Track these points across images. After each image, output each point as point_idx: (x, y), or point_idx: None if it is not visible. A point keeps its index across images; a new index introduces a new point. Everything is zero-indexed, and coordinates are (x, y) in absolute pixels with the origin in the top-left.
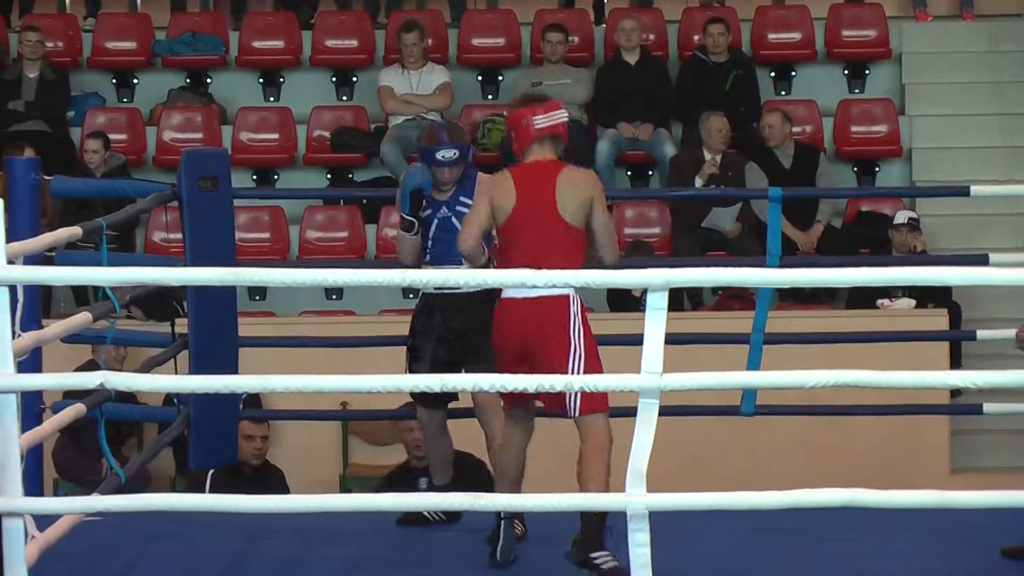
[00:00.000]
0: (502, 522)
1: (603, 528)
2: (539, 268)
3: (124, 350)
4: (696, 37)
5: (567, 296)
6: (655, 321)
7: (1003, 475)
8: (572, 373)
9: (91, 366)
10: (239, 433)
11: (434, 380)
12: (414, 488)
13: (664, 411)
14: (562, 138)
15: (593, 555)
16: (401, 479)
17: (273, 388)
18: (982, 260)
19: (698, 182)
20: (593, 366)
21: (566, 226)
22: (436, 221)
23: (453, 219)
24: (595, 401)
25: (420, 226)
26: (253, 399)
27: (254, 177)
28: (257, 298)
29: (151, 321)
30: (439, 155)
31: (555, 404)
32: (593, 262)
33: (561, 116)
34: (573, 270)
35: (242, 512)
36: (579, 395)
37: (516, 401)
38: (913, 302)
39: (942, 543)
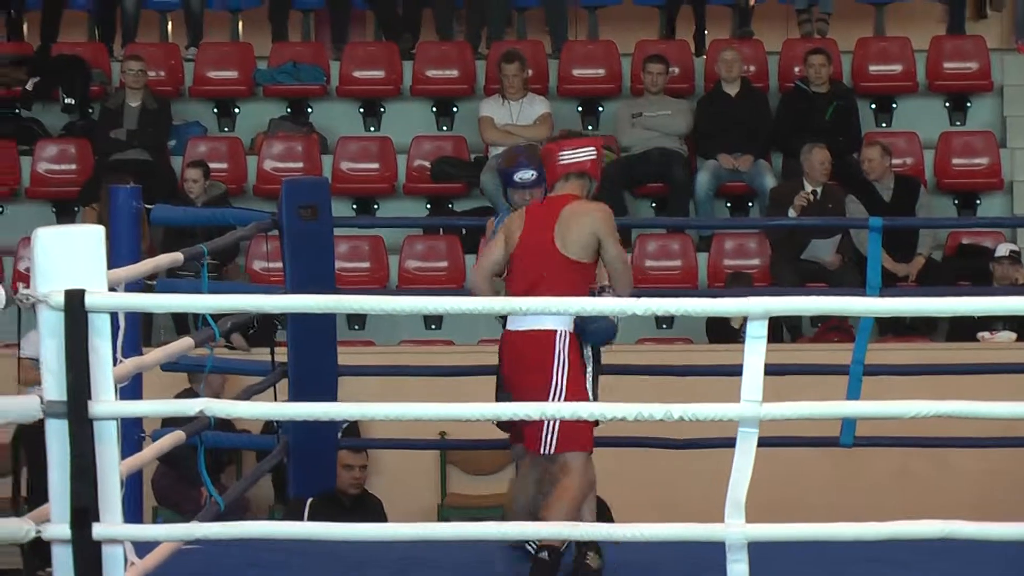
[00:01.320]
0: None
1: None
2: (537, 293)
3: (223, 379)
4: (797, 68)
5: (554, 331)
6: (755, 350)
7: None
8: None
9: (189, 395)
10: (338, 462)
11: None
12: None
13: (763, 442)
14: (590, 175)
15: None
16: None
17: (372, 416)
18: None
19: (791, 213)
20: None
21: (563, 258)
22: None
23: None
24: (574, 439)
25: None
26: (352, 428)
27: (354, 206)
28: (356, 327)
29: (254, 351)
30: (517, 177)
31: (532, 442)
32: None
33: (588, 153)
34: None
35: (341, 541)
36: (555, 432)
37: (516, 440)
38: (1014, 335)
39: None
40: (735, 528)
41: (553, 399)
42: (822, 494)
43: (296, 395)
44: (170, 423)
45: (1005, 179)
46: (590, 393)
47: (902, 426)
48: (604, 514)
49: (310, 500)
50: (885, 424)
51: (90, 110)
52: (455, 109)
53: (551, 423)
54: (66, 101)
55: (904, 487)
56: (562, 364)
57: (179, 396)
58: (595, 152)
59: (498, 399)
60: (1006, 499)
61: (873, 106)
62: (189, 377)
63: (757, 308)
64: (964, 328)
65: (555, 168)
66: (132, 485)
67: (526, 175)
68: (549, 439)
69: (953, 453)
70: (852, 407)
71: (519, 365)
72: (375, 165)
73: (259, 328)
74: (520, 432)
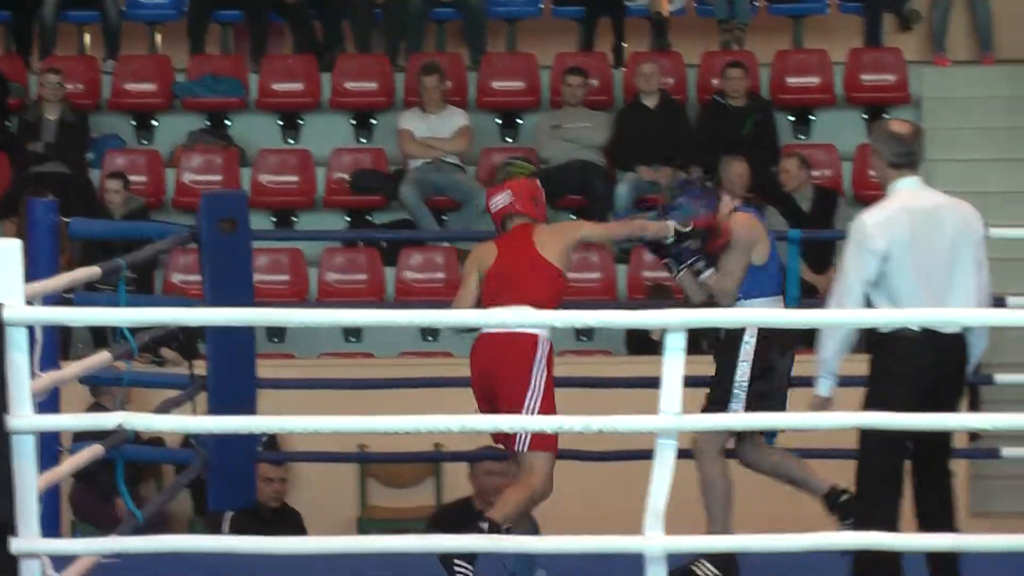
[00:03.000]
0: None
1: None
2: (522, 300)
3: (128, 393)
4: (715, 81)
5: (536, 336)
6: (674, 362)
7: (1020, 520)
8: (527, 412)
9: (96, 409)
10: (258, 475)
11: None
12: (471, 530)
13: (684, 453)
14: (520, 212)
15: (456, 561)
16: (457, 518)
17: (291, 430)
18: (998, 303)
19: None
20: (546, 408)
21: (545, 262)
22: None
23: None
24: (543, 441)
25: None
26: (272, 441)
27: (273, 219)
28: (276, 340)
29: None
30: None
31: (511, 440)
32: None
33: (499, 201)
34: (551, 310)
35: (261, 554)
36: (529, 433)
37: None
38: None
39: None
40: (654, 540)
41: (530, 403)
42: (744, 503)
43: (215, 408)
44: (83, 437)
45: None
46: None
47: (823, 436)
48: (528, 526)
49: (230, 514)
50: (807, 435)
51: (8, 123)
52: (374, 122)
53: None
54: None
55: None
56: (541, 371)
57: (89, 411)
58: (512, 194)
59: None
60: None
61: (791, 118)
62: (93, 392)
63: (676, 321)
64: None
65: (494, 215)
66: (50, 499)
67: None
68: (524, 437)
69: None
70: (771, 419)
71: (499, 365)
72: (294, 178)
73: (185, 341)
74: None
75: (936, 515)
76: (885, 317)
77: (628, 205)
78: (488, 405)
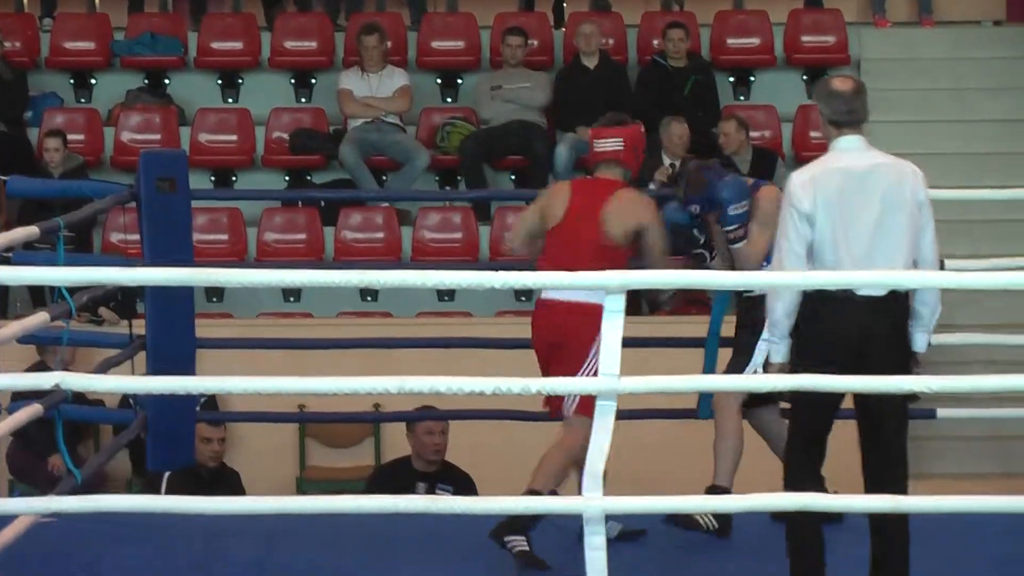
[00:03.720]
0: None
1: (530, 519)
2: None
3: (73, 352)
4: (656, 42)
5: (600, 306)
6: (612, 324)
7: (956, 481)
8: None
9: (40, 367)
10: (196, 435)
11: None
12: (410, 490)
13: (621, 415)
14: (622, 164)
15: (507, 538)
16: (395, 477)
17: (230, 390)
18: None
19: (651, 187)
20: None
21: (605, 238)
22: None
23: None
24: (589, 406)
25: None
26: (210, 401)
27: (212, 178)
28: (215, 300)
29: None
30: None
31: (557, 404)
32: None
33: (615, 143)
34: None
35: (200, 514)
36: (577, 397)
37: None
38: None
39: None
40: (593, 501)
41: (584, 372)
42: (683, 466)
43: (154, 368)
44: (21, 396)
45: None
46: None
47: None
48: (468, 487)
49: (168, 474)
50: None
51: None
52: (314, 81)
53: None
54: None
55: (763, 459)
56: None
57: (31, 370)
58: (622, 143)
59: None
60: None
61: (731, 79)
62: (38, 350)
63: (615, 281)
64: None
65: (591, 154)
66: None
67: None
68: (572, 400)
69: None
70: (708, 380)
71: (563, 334)
72: (233, 137)
73: (123, 300)
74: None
75: (882, 478)
76: (825, 279)
77: (569, 165)
78: (547, 370)
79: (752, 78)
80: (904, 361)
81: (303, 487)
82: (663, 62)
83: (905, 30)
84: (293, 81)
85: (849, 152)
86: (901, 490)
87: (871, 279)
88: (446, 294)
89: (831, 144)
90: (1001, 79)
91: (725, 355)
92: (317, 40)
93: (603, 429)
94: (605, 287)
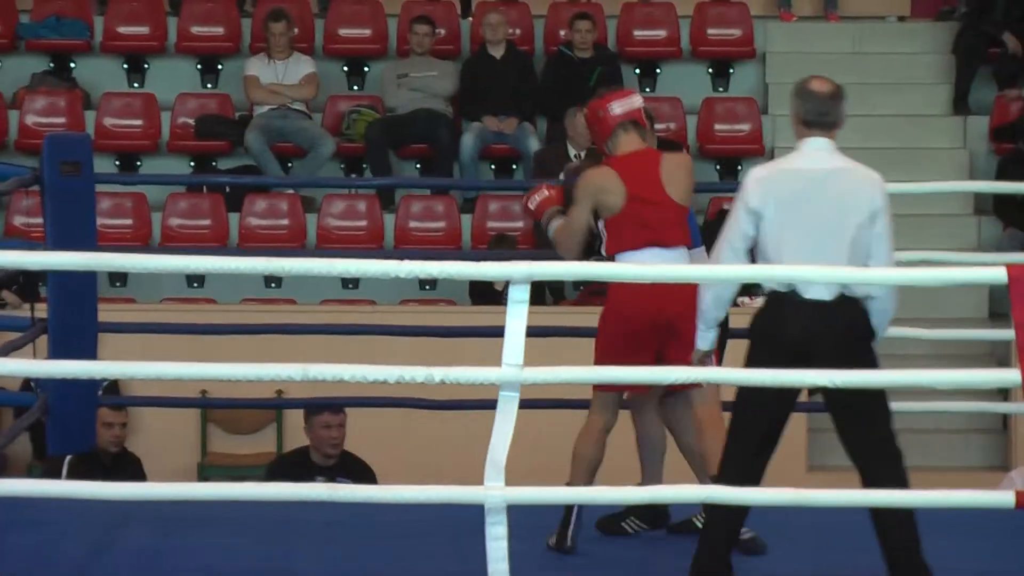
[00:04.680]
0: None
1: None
2: (664, 244)
3: None
4: (562, 32)
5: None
6: (516, 314)
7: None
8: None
9: None
10: (98, 420)
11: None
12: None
13: (525, 404)
14: (641, 123)
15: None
16: (294, 470)
17: (132, 375)
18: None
19: (561, 179)
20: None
21: (679, 207)
22: None
23: None
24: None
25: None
26: (112, 386)
27: (117, 163)
28: (118, 284)
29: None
30: None
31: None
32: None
33: (636, 101)
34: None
35: (100, 500)
36: None
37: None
38: None
39: (796, 542)
40: (495, 491)
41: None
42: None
43: (56, 352)
44: None
45: (766, 145)
46: None
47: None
48: (367, 478)
49: (69, 458)
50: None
51: None
52: (220, 67)
53: None
54: None
55: (670, 450)
56: None
57: None
58: (641, 100)
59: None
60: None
61: (637, 71)
62: None
63: (519, 272)
64: None
65: (607, 121)
66: None
67: None
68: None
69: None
70: (611, 371)
71: (686, 310)
72: (139, 122)
73: (25, 283)
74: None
75: (875, 469)
76: (756, 272)
77: (474, 154)
78: (654, 348)
79: (658, 70)
80: (856, 366)
81: (204, 473)
82: (569, 53)
83: (810, 24)
84: (199, 66)
85: (812, 154)
86: (903, 484)
87: (812, 275)
88: (350, 282)
89: (798, 144)
90: (904, 74)
91: None
92: (224, 26)
93: (505, 419)
94: (510, 277)
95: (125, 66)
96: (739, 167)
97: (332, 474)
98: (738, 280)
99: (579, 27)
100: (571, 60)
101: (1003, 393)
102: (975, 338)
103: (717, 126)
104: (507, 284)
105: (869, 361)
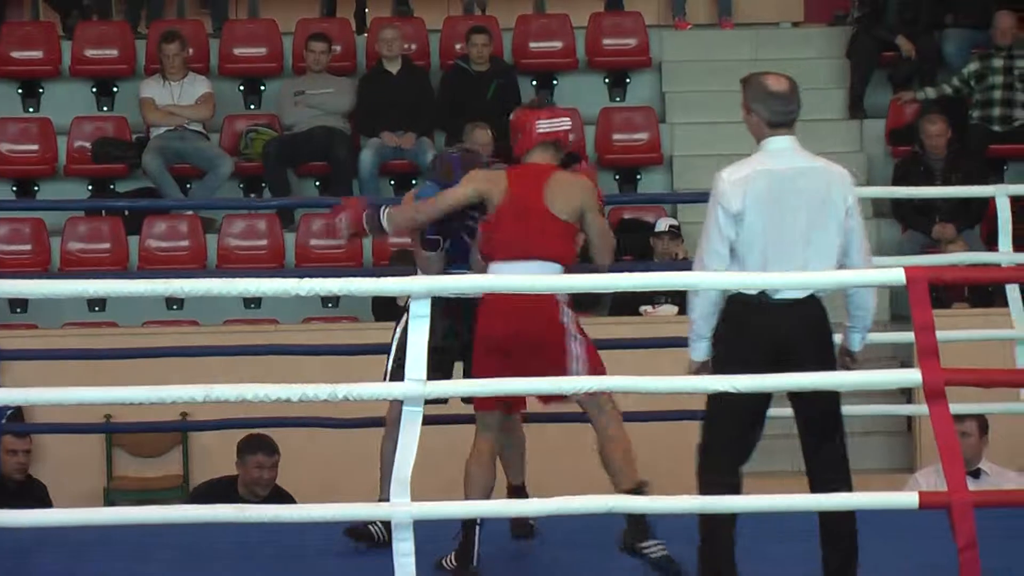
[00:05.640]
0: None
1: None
2: (527, 256)
3: None
4: (458, 46)
5: (555, 296)
6: (418, 328)
7: (760, 479)
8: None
9: None
10: (1, 448)
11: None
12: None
13: (430, 419)
14: (563, 145)
15: (641, 544)
16: (220, 500)
17: (34, 401)
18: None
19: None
20: (596, 365)
21: (553, 217)
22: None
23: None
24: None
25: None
26: (17, 413)
27: (14, 188)
28: (19, 310)
29: None
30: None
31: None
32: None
33: (564, 124)
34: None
35: (7, 527)
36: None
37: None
38: (676, 308)
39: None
40: (401, 507)
41: (574, 368)
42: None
43: None
44: None
45: (665, 154)
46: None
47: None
48: (283, 496)
49: None
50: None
51: None
52: (115, 89)
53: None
54: None
55: (576, 460)
56: (573, 330)
57: None
58: (569, 125)
59: (478, 364)
60: (671, 471)
61: (535, 83)
62: None
63: (420, 287)
64: (626, 302)
65: (531, 136)
66: None
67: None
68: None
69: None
70: (516, 383)
71: (525, 340)
72: (35, 147)
73: None
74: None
75: (826, 478)
76: (740, 280)
77: (374, 170)
78: (516, 366)
79: (555, 81)
80: (827, 365)
81: (111, 497)
82: (466, 66)
83: (705, 32)
84: (95, 89)
85: (779, 153)
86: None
87: (798, 281)
88: (253, 301)
89: (761, 144)
90: (800, 79)
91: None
92: (118, 48)
93: (410, 434)
94: (411, 291)
95: (20, 91)
96: (638, 177)
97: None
98: (733, 286)
99: (475, 40)
100: (468, 73)
101: (906, 394)
102: (877, 341)
103: (615, 136)
104: (408, 299)
105: (833, 360)
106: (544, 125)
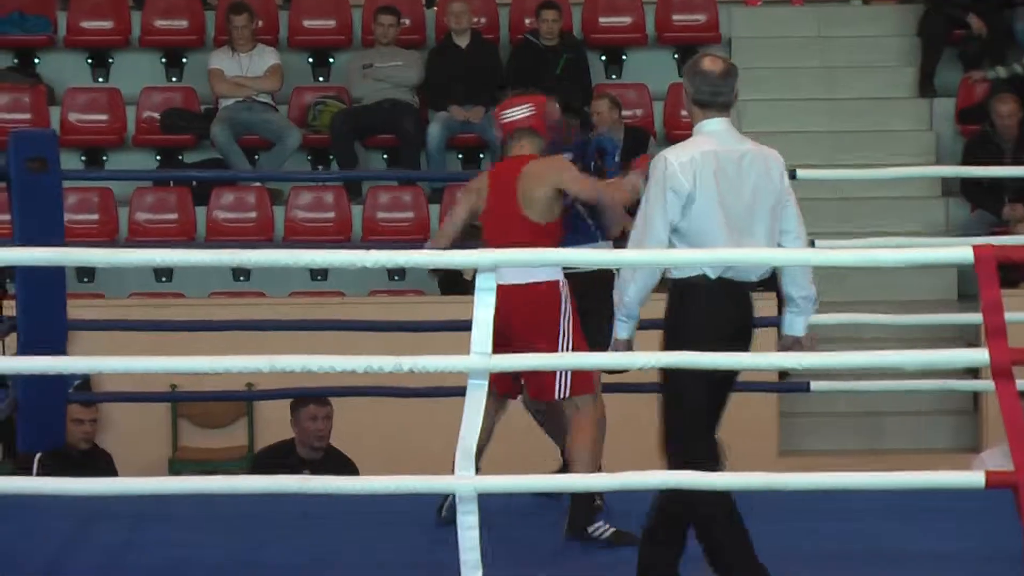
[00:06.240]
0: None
1: (591, 503)
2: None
3: None
4: (528, 21)
5: (557, 282)
6: (484, 302)
7: (828, 457)
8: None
9: None
10: (68, 416)
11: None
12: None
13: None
14: (534, 131)
15: (589, 528)
16: (279, 462)
17: (101, 369)
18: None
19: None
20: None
21: (528, 221)
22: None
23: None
24: (584, 383)
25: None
26: (85, 383)
27: (83, 158)
28: (86, 280)
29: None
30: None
31: (546, 391)
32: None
33: (523, 110)
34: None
35: (71, 495)
36: (568, 378)
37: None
38: None
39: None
40: (465, 479)
41: (562, 349)
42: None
43: (25, 349)
44: None
45: None
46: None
47: (634, 375)
48: (351, 471)
49: (39, 455)
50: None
51: None
52: (185, 60)
53: (563, 371)
54: None
55: (637, 435)
56: (567, 315)
57: None
58: (533, 108)
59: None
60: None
61: (603, 58)
62: None
63: (486, 260)
64: None
65: (503, 127)
66: None
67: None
68: (563, 386)
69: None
70: (571, 359)
71: (524, 317)
72: (104, 117)
73: None
74: (521, 383)
75: None
76: (686, 257)
77: (441, 144)
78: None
79: (624, 57)
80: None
81: (176, 468)
82: (535, 41)
83: (774, 9)
84: (164, 60)
85: (717, 135)
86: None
87: (749, 257)
88: (319, 273)
89: (696, 126)
90: (868, 57)
91: None
92: (187, 19)
93: (475, 406)
94: (476, 265)
95: (89, 61)
96: None
97: (318, 469)
98: (675, 264)
99: (545, 16)
100: (537, 48)
101: (972, 374)
102: (942, 322)
103: (683, 112)
104: (475, 273)
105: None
106: (506, 116)
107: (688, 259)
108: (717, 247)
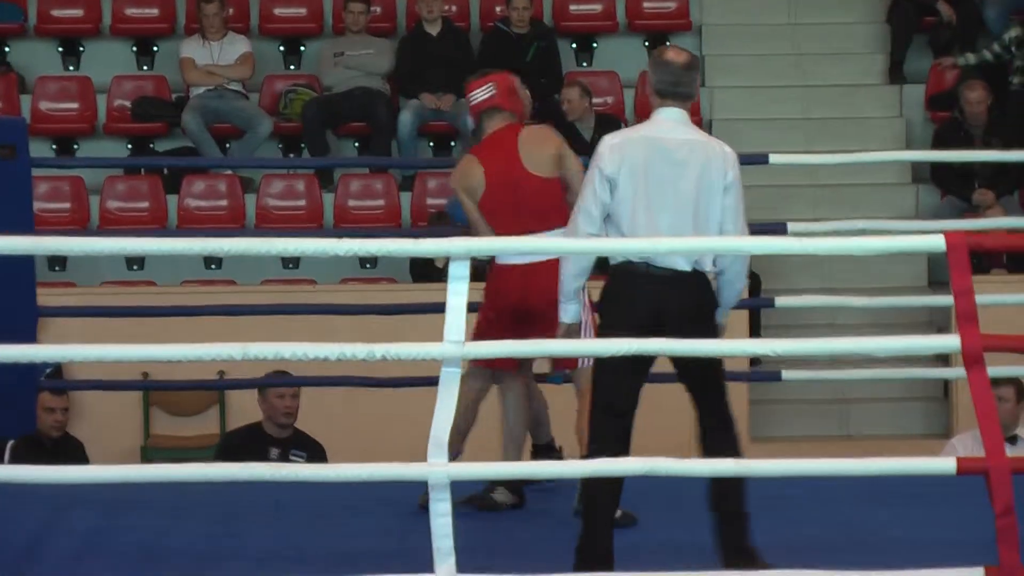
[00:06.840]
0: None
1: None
2: (529, 229)
3: None
4: (498, 8)
5: None
6: (457, 290)
7: (799, 443)
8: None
9: None
10: (39, 405)
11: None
12: (263, 455)
13: None
14: (502, 108)
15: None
16: (247, 443)
17: (72, 357)
18: (780, 230)
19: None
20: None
21: (541, 179)
22: None
23: None
24: None
25: None
26: (56, 371)
27: (54, 147)
28: (57, 268)
29: None
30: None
31: (572, 361)
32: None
33: (484, 91)
34: None
35: (43, 484)
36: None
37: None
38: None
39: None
40: (438, 467)
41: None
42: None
43: None
44: None
45: (704, 117)
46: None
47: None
48: (320, 456)
49: (11, 443)
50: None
51: None
52: (155, 48)
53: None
54: None
55: (662, 422)
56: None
57: None
58: (494, 86)
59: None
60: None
61: (574, 46)
62: None
63: (459, 248)
64: None
65: (472, 108)
66: None
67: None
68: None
69: (658, 388)
70: (557, 345)
71: (548, 295)
72: (75, 105)
73: None
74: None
75: (718, 444)
76: (613, 246)
77: (412, 131)
78: (526, 330)
79: (595, 44)
80: (703, 337)
81: (148, 455)
82: (506, 28)
83: None
84: (135, 48)
85: (665, 123)
86: (736, 453)
87: (671, 246)
88: (291, 262)
89: (652, 114)
90: (839, 44)
91: None
92: (158, 7)
93: (448, 396)
94: (449, 253)
95: (60, 49)
96: None
97: (286, 446)
98: (611, 253)
99: (516, 3)
100: (508, 36)
101: (943, 360)
102: (913, 305)
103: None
104: (447, 261)
105: (713, 334)
106: (474, 96)
107: (602, 248)
108: (637, 233)
